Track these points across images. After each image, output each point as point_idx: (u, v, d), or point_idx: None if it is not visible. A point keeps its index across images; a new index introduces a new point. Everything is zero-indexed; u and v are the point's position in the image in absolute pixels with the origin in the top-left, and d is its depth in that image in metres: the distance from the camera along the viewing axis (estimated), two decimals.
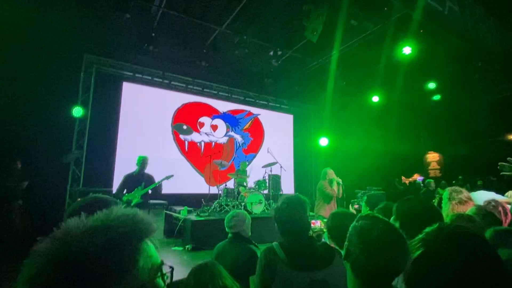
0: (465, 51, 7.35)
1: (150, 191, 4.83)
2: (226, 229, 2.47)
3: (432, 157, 11.24)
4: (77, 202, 1.19)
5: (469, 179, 8.85)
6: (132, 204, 4.59)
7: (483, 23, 7.33)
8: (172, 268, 0.63)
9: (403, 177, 10.47)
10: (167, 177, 4.99)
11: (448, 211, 2.21)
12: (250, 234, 2.55)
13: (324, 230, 2.32)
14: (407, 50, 6.97)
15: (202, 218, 5.93)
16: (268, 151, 8.57)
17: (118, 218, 0.56)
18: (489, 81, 8.47)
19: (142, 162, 4.92)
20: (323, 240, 2.68)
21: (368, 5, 5.98)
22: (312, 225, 2.31)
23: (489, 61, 7.82)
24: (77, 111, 6.71)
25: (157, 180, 4.91)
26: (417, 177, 10.55)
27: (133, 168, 5.00)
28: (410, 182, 10.29)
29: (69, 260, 0.47)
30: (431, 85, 8.66)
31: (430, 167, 11.24)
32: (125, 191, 4.73)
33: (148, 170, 5.00)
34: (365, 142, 9.97)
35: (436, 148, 11.04)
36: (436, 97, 9.28)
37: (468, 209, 2.03)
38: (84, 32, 6.80)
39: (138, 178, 4.79)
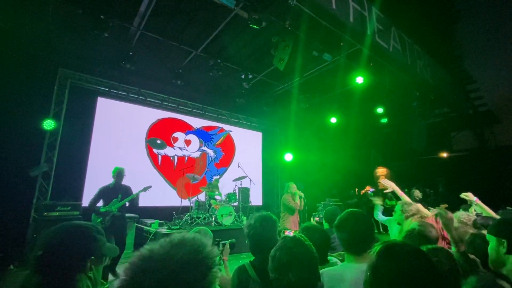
0: (406, 82, 8.01)
1: (127, 204, 4.45)
2: None
3: (381, 171, 11.89)
4: (53, 231, 0.98)
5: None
6: (108, 218, 4.22)
7: (420, 60, 8.09)
8: None
9: (356, 189, 10.94)
10: (145, 189, 4.66)
11: (408, 225, 2.28)
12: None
13: None
14: (359, 79, 7.42)
15: (173, 231, 5.64)
16: (238, 166, 8.53)
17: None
18: (425, 108, 9.29)
19: (118, 173, 4.51)
20: None
21: (327, 40, 6.33)
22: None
23: (425, 91, 8.59)
24: (48, 124, 6.17)
25: (134, 192, 4.60)
26: (369, 189, 11.07)
27: (104, 181, 4.58)
28: (363, 193, 10.75)
29: None
30: (379, 110, 9.26)
31: (379, 180, 11.86)
32: (100, 204, 4.34)
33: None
34: (324, 158, 10.32)
35: (384, 163, 11.74)
36: (384, 120, 9.94)
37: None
38: (60, 46, 6.39)
39: (115, 190, 4.40)
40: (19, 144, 5.75)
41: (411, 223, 2.28)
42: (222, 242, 2.35)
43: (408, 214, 2.73)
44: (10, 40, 5.67)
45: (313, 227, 1.95)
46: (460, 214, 2.69)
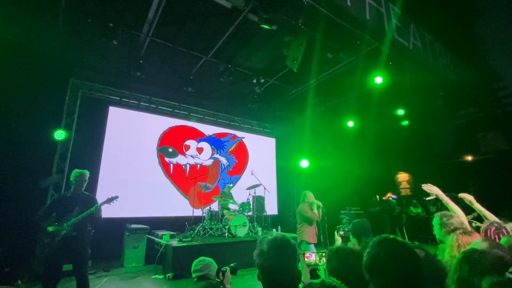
0: (428, 81, 7.51)
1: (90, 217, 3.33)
2: (192, 274, 2.24)
3: (402, 177, 11.24)
4: None
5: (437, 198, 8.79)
6: (57, 239, 3.10)
7: (443, 57, 7.59)
8: None
9: (377, 196, 10.32)
10: (109, 200, 3.50)
11: (453, 243, 1.73)
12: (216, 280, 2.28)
13: (320, 264, 1.94)
14: (378, 79, 7.02)
15: (184, 244, 5.34)
16: (252, 173, 8.22)
17: None
18: (450, 108, 8.69)
19: (78, 178, 3.41)
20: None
21: (342, 38, 6.00)
22: (306, 259, 1.92)
23: (449, 90, 8.04)
24: (60, 135, 6.14)
25: (99, 202, 3.45)
26: (391, 196, 10.43)
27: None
28: (384, 200, 10.14)
29: None
30: (400, 112, 8.75)
31: (401, 186, 11.20)
32: (53, 217, 3.25)
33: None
34: (342, 164, 9.82)
35: (405, 168, 11.08)
36: (405, 123, 9.38)
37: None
38: (70, 57, 6.40)
39: (72, 201, 3.30)
40: (31, 155, 5.72)
41: (456, 240, 1.82)
42: (222, 269, 2.13)
43: (449, 228, 2.24)
44: (22, 52, 5.70)
45: (348, 250, 1.57)
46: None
